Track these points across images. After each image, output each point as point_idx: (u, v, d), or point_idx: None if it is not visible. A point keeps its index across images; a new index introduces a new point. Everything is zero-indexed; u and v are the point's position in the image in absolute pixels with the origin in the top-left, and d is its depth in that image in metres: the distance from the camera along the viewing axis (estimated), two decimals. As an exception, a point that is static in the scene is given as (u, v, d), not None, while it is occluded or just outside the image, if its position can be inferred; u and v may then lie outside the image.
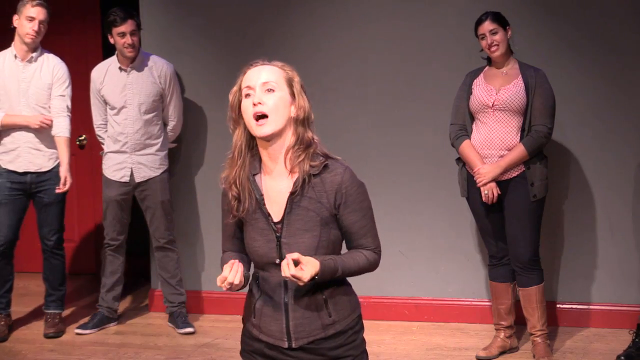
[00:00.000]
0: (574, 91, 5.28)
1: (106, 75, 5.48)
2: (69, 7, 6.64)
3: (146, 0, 5.75)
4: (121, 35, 5.33)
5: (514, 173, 4.79)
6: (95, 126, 5.63)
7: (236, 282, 2.59)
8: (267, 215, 2.66)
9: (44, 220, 5.43)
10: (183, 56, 5.73)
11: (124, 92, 5.44)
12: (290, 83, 2.67)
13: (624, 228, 5.31)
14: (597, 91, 5.28)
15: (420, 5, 5.44)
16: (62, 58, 6.62)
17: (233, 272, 2.60)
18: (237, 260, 2.63)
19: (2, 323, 5.48)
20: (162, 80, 5.48)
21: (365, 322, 5.19)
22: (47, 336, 5.47)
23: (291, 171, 2.64)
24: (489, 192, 4.77)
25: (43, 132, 5.34)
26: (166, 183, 5.57)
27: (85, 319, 5.68)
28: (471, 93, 4.86)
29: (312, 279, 2.58)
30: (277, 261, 2.64)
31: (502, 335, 5.03)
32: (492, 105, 4.77)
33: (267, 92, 2.63)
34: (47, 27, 5.34)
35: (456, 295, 5.57)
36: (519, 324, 5.11)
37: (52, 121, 5.31)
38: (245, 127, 2.69)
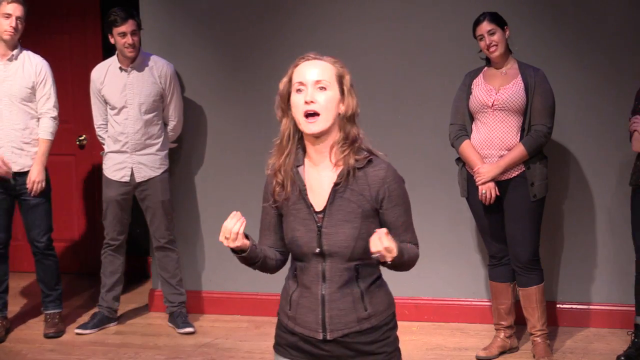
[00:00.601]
0: (574, 91, 5.28)
1: (106, 75, 5.47)
2: (69, 7, 6.64)
3: (146, 0, 5.74)
4: (122, 35, 5.33)
5: (514, 173, 4.79)
6: (95, 126, 5.62)
7: (235, 229, 2.63)
8: (310, 205, 2.70)
9: (32, 222, 5.39)
10: (183, 56, 5.73)
11: (125, 92, 5.43)
12: (340, 80, 2.71)
13: (624, 228, 5.30)
14: (597, 91, 5.28)
15: (419, 5, 5.44)
16: (62, 58, 6.67)
17: (236, 220, 2.65)
18: (239, 213, 2.66)
19: (-1, 325, 5.47)
20: (162, 80, 5.48)
21: (365, 322, 5.08)
22: (47, 336, 5.47)
23: (335, 164, 2.69)
24: (487, 191, 4.77)
25: (27, 132, 5.31)
26: (166, 183, 5.57)
27: (85, 319, 5.67)
28: (471, 93, 4.86)
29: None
30: (317, 250, 2.68)
31: (502, 335, 5.03)
32: (492, 105, 4.77)
33: (319, 90, 2.66)
34: (24, 24, 5.29)
35: (456, 295, 5.57)
36: (519, 324, 5.11)
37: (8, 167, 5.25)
38: (292, 118, 2.72)
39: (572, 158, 5.36)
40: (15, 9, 5.22)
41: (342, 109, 2.70)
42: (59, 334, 5.50)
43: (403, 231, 2.74)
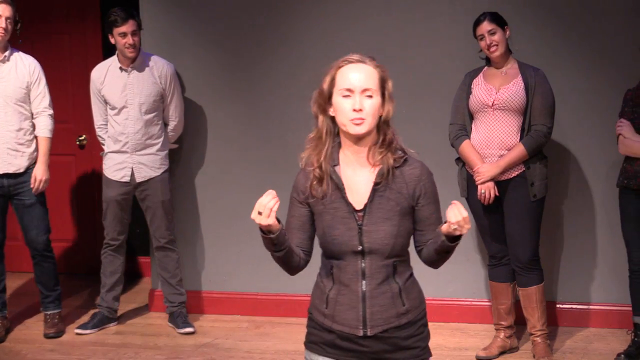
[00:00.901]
0: (574, 91, 5.28)
1: (107, 76, 5.47)
2: (69, 7, 6.64)
3: (146, 0, 5.74)
4: (122, 35, 5.33)
5: (514, 173, 4.79)
6: (95, 126, 5.62)
7: (270, 205, 2.69)
8: (349, 204, 2.76)
9: (30, 223, 5.37)
10: (183, 56, 5.72)
11: (125, 92, 5.43)
12: (383, 85, 2.79)
13: (624, 228, 5.31)
14: (597, 91, 5.28)
15: (419, 5, 5.44)
16: (62, 58, 6.67)
17: (271, 197, 2.71)
18: (274, 192, 2.74)
19: (-2, 325, 5.47)
20: (162, 80, 5.47)
21: (365, 322, 5.05)
22: (47, 336, 5.47)
23: (373, 164, 2.77)
24: (486, 191, 4.77)
25: (22, 133, 5.31)
26: (167, 183, 5.57)
27: (85, 319, 5.67)
28: (470, 93, 4.86)
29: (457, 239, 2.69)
30: (359, 248, 2.74)
31: (502, 335, 5.04)
32: (492, 104, 4.77)
33: (365, 97, 2.74)
34: (13, 25, 5.28)
35: (456, 295, 5.57)
36: (519, 324, 5.11)
37: None
38: (329, 117, 2.79)
39: (572, 158, 5.36)
40: (5, 10, 5.21)
41: (382, 112, 2.79)
42: (59, 334, 5.50)
43: (434, 226, 2.81)
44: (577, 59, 5.28)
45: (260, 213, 2.71)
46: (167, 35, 5.75)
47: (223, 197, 5.80)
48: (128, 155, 5.47)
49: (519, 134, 4.77)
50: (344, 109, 2.74)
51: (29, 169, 5.32)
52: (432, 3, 5.43)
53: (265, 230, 2.73)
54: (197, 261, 5.88)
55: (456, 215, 2.64)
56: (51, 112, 5.37)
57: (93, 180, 6.72)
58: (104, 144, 5.61)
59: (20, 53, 5.37)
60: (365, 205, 2.76)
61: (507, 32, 4.82)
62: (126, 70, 5.44)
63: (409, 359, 2.82)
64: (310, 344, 2.89)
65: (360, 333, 2.77)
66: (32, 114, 5.34)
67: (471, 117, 4.88)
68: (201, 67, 5.75)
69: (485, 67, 4.91)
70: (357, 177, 2.79)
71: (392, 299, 2.78)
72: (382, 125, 2.78)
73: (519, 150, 4.73)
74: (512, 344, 5.07)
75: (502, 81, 4.82)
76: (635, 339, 4.88)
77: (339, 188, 2.78)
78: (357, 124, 2.72)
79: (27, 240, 5.43)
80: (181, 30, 5.74)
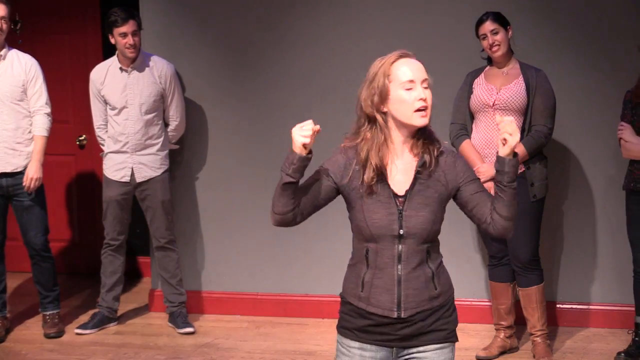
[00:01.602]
0: (575, 91, 5.28)
1: (107, 76, 5.47)
2: (69, 7, 6.64)
3: (146, 1, 5.74)
4: (123, 35, 5.33)
5: (514, 173, 4.78)
6: (95, 127, 5.62)
7: (316, 128, 2.92)
8: (390, 190, 2.87)
9: (28, 224, 5.37)
10: (183, 56, 5.72)
11: (125, 92, 5.43)
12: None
13: (624, 228, 5.30)
14: (597, 91, 5.28)
15: (420, 5, 5.44)
16: (62, 58, 6.67)
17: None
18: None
19: (-1, 325, 5.47)
20: (162, 81, 5.47)
21: (365, 322, 5.01)
22: (48, 336, 5.47)
23: (415, 154, 2.90)
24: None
25: (19, 131, 5.31)
26: (167, 183, 5.57)
27: (85, 319, 5.67)
28: (472, 92, 4.86)
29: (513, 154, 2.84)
30: (400, 232, 2.85)
31: (502, 335, 5.04)
32: (493, 104, 4.78)
33: (424, 88, 2.91)
34: (9, 24, 5.28)
35: (456, 295, 5.54)
36: (519, 324, 5.11)
37: None
38: (381, 113, 2.89)
39: (573, 158, 5.36)
40: (0, 9, 5.20)
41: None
42: (59, 333, 5.50)
43: (487, 197, 2.90)
44: (578, 59, 5.28)
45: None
46: (167, 35, 5.75)
47: (223, 197, 5.80)
48: (128, 156, 5.47)
49: (520, 135, 4.76)
50: (407, 100, 2.87)
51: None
52: (433, 2, 5.43)
53: (296, 150, 2.95)
54: (197, 261, 5.88)
55: (506, 126, 2.81)
56: (48, 110, 5.36)
57: (93, 180, 6.72)
58: (103, 145, 5.61)
59: (18, 52, 5.37)
60: (407, 192, 2.87)
61: (510, 32, 4.82)
62: (126, 71, 5.44)
63: (436, 341, 2.91)
64: (343, 329, 2.97)
65: (395, 315, 2.87)
66: (30, 113, 5.33)
67: (472, 117, 4.88)
68: (201, 67, 5.74)
69: (487, 67, 4.91)
70: (400, 166, 2.90)
71: (426, 283, 2.89)
72: None
73: (519, 150, 4.73)
74: (512, 344, 5.07)
75: (503, 81, 4.82)
76: (636, 338, 4.88)
77: (383, 175, 2.88)
78: (423, 116, 2.87)
79: (26, 241, 5.42)
80: (181, 30, 5.74)
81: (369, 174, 2.87)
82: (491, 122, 4.79)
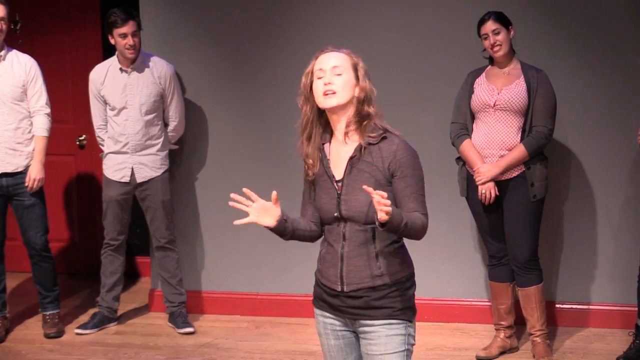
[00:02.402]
0: (575, 91, 5.27)
1: (107, 76, 5.47)
2: (69, 7, 6.64)
3: (146, 1, 5.74)
4: (122, 36, 5.33)
5: (514, 173, 4.79)
6: (95, 127, 5.62)
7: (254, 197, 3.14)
8: (331, 176, 3.08)
9: (28, 223, 5.37)
10: (183, 56, 5.72)
11: (125, 92, 5.43)
12: (355, 67, 3.09)
13: (624, 228, 5.31)
14: (597, 91, 5.28)
15: (422, 3, 5.44)
16: (62, 58, 6.66)
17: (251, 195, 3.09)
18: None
19: (-1, 325, 5.47)
20: (162, 81, 5.47)
21: (365, 322, 4.98)
22: (48, 336, 5.47)
23: (349, 139, 3.06)
24: (487, 191, 4.77)
25: (20, 132, 5.31)
26: (167, 183, 5.57)
27: (85, 319, 5.67)
28: (473, 92, 4.86)
29: (385, 222, 2.85)
30: (336, 214, 3.04)
31: (502, 335, 5.04)
32: (494, 104, 4.77)
33: (335, 75, 3.04)
34: (9, 24, 5.27)
35: (456, 295, 5.57)
36: (519, 324, 5.11)
37: None
38: (314, 105, 3.08)
39: (573, 158, 5.36)
40: None
41: (357, 91, 3.06)
42: (59, 333, 5.50)
43: (412, 200, 3.02)
44: (579, 60, 5.28)
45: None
46: (167, 35, 5.75)
47: (223, 197, 5.76)
48: (128, 156, 5.47)
49: (520, 135, 4.77)
50: (317, 87, 3.05)
51: (28, 168, 5.31)
52: (435, 1, 5.42)
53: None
54: (197, 261, 5.88)
55: (377, 199, 2.82)
56: (48, 110, 5.36)
57: (93, 180, 6.72)
58: (103, 145, 5.61)
59: (17, 52, 5.37)
60: (343, 177, 3.05)
61: (512, 32, 4.82)
62: (126, 71, 5.44)
63: (380, 317, 3.04)
64: (314, 298, 3.23)
65: (339, 288, 3.07)
66: (30, 113, 5.34)
67: (472, 117, 4.88)
68: (201, 68, 5.74)
69: (488, 67, 4.91)
70: (342, 152, 3.08)
71: (368, 261, 3.04)
72: (358, 104, 3.05)
73: (520, 151, 4.73)
74: (512, 344, 5.07)
75: (504, 81, 4.82)
76: (637, 340, 4.87)
77: (324, 163, 3.10)
78: (327, 97, 3.01)
79: (25, 241, 5.43)
80: (181, 31, 5.74)
81: (311, 167, 3.11)
82: (492, 122, 4.79)
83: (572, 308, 5.44)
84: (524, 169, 4.79)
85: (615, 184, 5.32)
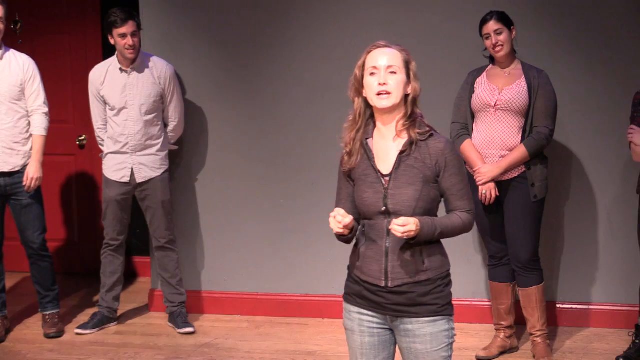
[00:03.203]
0: (576, 92, 5.28)
1: (106, 77, 5.47)
2: (69, 7, 6.64)
3: (146, 1, 5.74)
4: (122, 36, 5.32)
5: (515, 173, 4.79)
6: (95, 128, 5.61)
7: (347, 221, 3.03)
8: (377, 171, 3.12)
9: (27, 223, 5.37)
10: (183, 57, 5.72)
11: (125, 92, 5.43)
12: (407, 66, 3.14)
13: (624, 228, 5.31)
14: (598, 91, 5.28)
15: (421, 4, 5.43)
16: (62, 58, 6.66)
17: (341, 216, 3.04)
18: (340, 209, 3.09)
19: (-1, 325, 5.47)
20: (162, 81, 5.47)
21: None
22: (48, 336, 5.47)
23: (400, 136, 3.12)
24: (487, 192, 4.77)
25: (17, 131, 5.30)
26: (167, 183, 5.57)
27: (85, 319, 5.67)
28: (473, 92, 4.86)
29: (416, 235, 3.01)
30: (383, 209, 3.08)
31: (502, 335, 5.04)
32: (494, 104, 4.77)
33: (390, 74, 3.10)
34: (6, 24, 5.25)
35: (456, 295, 5.51)
36: (519, 324, 5.12)
37: None
38: (364, 98, 3.15)
39: (573, 159, 5.36)
40: None
41: (409, 90, 3.13)
42: (59, 333, 5.50)
43: (459, 198, 3.14)
44: (580, 60, 5.28)
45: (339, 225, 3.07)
46: (167, 36, 5.75)
47: (223, 197, 5.80)
48: (128, 156, 5.47)
49: (521, 135, 4.77)
50: (371, 85, 3.11)
51: (26, 167, 5.31)
52: (435, 1, 5.42)
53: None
54: (197, 261, 5.88)
55: (397, 232, 2.99)
56: (46, 110, 5.36)
57: (93, 180, 6.72)
58: (102, 145, 5.61)
59: (15, 51, 5.36)
60: (391, 171, 3.10)
61: (514, 33, 4.81)
62: (126, 71, 5.44)
63: (426, 314, 3.10)
64: (346, 295, 3.23)
65: (382, 284, 3.10)
66: (27, 112, 5.33)
67: (473, 117, 4.88)
68: (201, 68, 5.74)
69: (489, 67, 4.90)
70: (387, 148, 3.14)
71: (413, 256, 3.08)
72: (409, 102, 3.12)
73: (520, 151, 4.73)
74: (512, 344, 5.07)
75: (505, 82, 4.81)
76: (636, 340, 4.87)
77: (369, 157, 3.13)
78: (383, 98, 3.08)
79: (24, 240, 5.42)
80: (181, 31, 5.73)
81: (353, 157, 3.14)
82: (492, 122, 4.79)
83: (572, 308, 5.44)
84: (524, 170, 4.78)
85: (616, 184, 5.32)
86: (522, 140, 4.75)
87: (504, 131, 4.77)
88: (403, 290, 3.08)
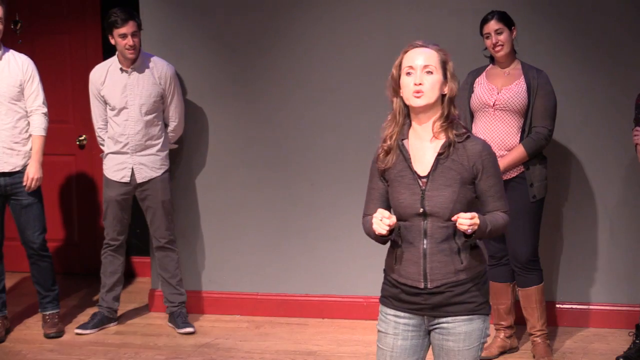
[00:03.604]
0: (576, 92, 5.28)
1: (107, 77, 5.47)
2: (69, 7, 6.64)
3: (146, 1, 5.74)
4: (122, 36, 5.32)
5: (513, 173, 4.79)
6: (95, 128, 5.62)
7: (393, 221, 3.00)
8: (414, 172, 3.10)
9: (26, 223, 5.37)
10: (184, 57, 5.72)
11: (125, 92, 5.43)
12: (444, 66, 3.13)
13: (624, 228, 5.31)
14: (597, 92, 5.28)
15: (421, 4, 5.43)
16: (62, 58, 6.66)
17: (387, 218, 3.00)
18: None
19: (-1, 325, 5.47)
20: (162, 82, 5.47)
21: (366, 322, 5.20)
22: (48, 336, 5.47)
23: (437, 137, 3.10)
24: (487, 192, 4.77)
25: (17, 131, 5.30)
26: (167, 183, 5.57)
27: (85, 319, 5.67)
28: (472, 92, 4.86)
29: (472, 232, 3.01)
30: (421, 211, 3.07)
31: (502, 335, 5.04)
32: (493, 104, 4.77)
33: (426, 73, 3.08)
34: (4, 24, 5.25)
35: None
36: (519, 324, 5.11)
37: None
38: (401, 98, 3.13)
39: (573, 159, 5.37)
40: None
41: (446, 90, 3.11)
42: (59, 333, 5.50)
43: (496, 199, 3.14)
44: (579, 61, 5.28)
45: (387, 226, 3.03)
46: (167, 36, 5.74)
47: (223, 197, 5.80)
48: (128, 156, 5.47)
49: (519, 135, 4.77)
50: (407, 84, 3.09)
51: (26, 167, 5.31)
52: (435, 1, 5.42)
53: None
54: (197, 261, 5.88)
55: (463, 225, 2.99)
56: (45, 110, 5.36)
57: (93, 180, 6.72)
58: (103, 145, 5.61)
59: (14, 52, 5.36)
60: (429, 173, 3.08)
61: (514, 33, 4.81)
62: (126, 71, 5.44)
63: (464, 312, 3.11)
64: (382, 298, 3.24)
65: (422, 285, 3.09)
66: (27, 113, 5.33)
67: (472, 116, 4.88)
68: (201, 68, 5.74)
69: (489, 66, 4.90)
70: (424, 149, 3.12)
71: (451, 257, 3.08)
72: (446, 102, 3.10)
73: (519, 151, 4.73)
74: (512, 344, 5.07)
75: (504, 81, 4.82)
76: (637, 340, 4.87)
77: (406, 158, 3.12)
78: (417, 97, 3.06)
79: (23, 240, 5.43)
80: (181, 31, 5.73)
81: (389, 156, 3.12)
82: (491, 122, 4.79)
83: (572, 308, 5.44)
84: (523, 169, 4.78)
85: (615, 184, 5.32)
86: (521, 140, 4.76)
87: (503, 131, 4.77)
88: (442, 290, 3.09)
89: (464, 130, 3.12)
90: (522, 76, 4.80)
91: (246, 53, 5.68)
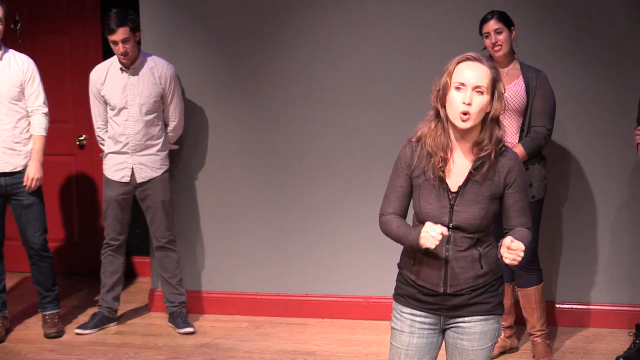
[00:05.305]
0: (574, 92, 5.28)
1: (107, 76, 5.47)
2: (69, 7, 6.64)
3: (146, 1, 5.74)
4: (113, 43, 5.32)
5: (514, 173, 4.78)
6: (95, 127, 5.62)
7: (445, 232, 2.97)
8: (445, 184, 3.07)
9: (27, 223, 5.37)
10: (184, 57, 5.72)
11: (125, 92, 5.43)
12: (494, 85, 3.06)
13: (624, 228, 5.31)
14: (596, 92, 5.28)
15: (422, 4, 5.43)
16: (62, 58, 6.66)
17: (440, 234, 2.97)
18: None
19: (-1, 325, 5.47)
20: (162, 82, 5.47)
21: (366, 322, 5.19)
22: (48, 336, 5.47)
23: (473, 152, 3.07)
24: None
25: (18, 131, 5.31)
26: (167, 183, 5.57)
27: (85, 319, 5.67)
28: (471, 92, 4.85)
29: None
30: (450, 225, 3.06)
31: (502, 335, 5.04)
32: (492, 105, 4.77)
33: (476, 93, 3.01)
34: (4, 24, 5.25)
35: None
36: (519, 324, 5.12)
37: None
38: (444, 107, 3.05)
39: (572, 159, 5.37)
40: None
41: (490, 110, 3.05)
42: (60, 333, 5.51)
43: (522, 214, 3.15)
44: (579, 61, 5.27)
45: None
46: (167, 35, 5.74)
47: (223, 197, 5.80)
48: (128, 156, 5.47)
49: (518, 135, 4.77)
50: (455, 100, 3.01)
51: (26, 167, 5.31)
52: (435, 1, 5.42)
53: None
54: (197, 261, 5.88)
55: (512, 257, 2.96)
56: (45, 110, 5.36)
57: (93, 180, 6.72)
58: (103, 145, 5.61)
59: (14, 52, 5.36)
60: (460, 188, 3.06)
61: (513, 33, 4.81)
62: (126, 71, 5.44)
63: (481, 312, 3.13)
64: (397, 295, 3.24)
65: (441, 290, 3.11)
66: (27, 113, 5.33)
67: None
68: (201, 68, 5.74)
69: (488, 66, 4.90)
70: (459, 162, 3.08)
71: (472, 263, 3.10)
72: (488, 122, 3.04)
73: (518, 151, 4.72)
74: (512, 344, 5.07)
75: (503, 81, 4.80)
76: (637, 340, 4.88)
77: (441, 169, 3.07)
78: (464, 120, 3.00)
79: (24, 240, 5.43)
80: (181, 31, 5.73)
81: (433, 162, 3.05)
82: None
83: (572, 308, 5.44)
84: (523, 169, 4.78)
85: (615, 184, 5.32)
86: (520, 140, 4.75)
87: (503, 131, 4.77)
88: (461, 293, 3.11)
89: (501, 145, 3.07)
90: (521, 76, 4.80)
91: (247, 53, 5.68)
